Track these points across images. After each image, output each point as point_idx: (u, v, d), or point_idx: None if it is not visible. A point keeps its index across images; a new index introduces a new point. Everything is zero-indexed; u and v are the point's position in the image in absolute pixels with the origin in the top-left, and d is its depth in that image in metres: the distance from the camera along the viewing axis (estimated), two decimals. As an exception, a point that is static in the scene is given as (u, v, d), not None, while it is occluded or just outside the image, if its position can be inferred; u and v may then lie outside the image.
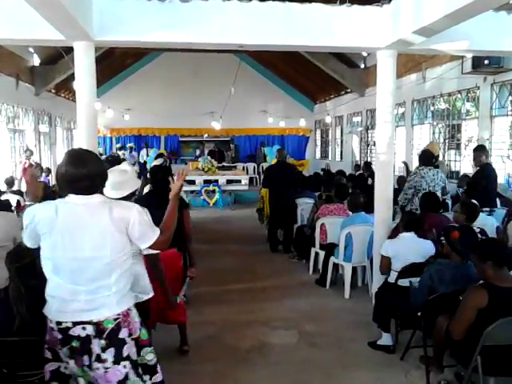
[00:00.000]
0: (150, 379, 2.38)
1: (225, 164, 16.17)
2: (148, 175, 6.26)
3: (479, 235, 4.06)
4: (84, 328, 2.20)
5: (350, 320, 4.97)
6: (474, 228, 4.31)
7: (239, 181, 13.91)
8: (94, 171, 2.22)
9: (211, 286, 5.94)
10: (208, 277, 5.75)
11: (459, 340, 3.18)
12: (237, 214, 11.94)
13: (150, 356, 2.39)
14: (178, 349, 4.21)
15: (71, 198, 2.25)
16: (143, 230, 2.31)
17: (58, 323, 2.22)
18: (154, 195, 4.57)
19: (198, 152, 18.29)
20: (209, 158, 14.59)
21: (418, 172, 6.05)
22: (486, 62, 7.88)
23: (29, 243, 2.32)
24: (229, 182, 13.73)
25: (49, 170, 11.29)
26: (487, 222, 5.11)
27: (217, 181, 13.21)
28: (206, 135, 18.88)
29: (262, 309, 5.31)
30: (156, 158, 7.20)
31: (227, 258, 7.56)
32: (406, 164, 8.67)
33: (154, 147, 18.11)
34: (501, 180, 7.87)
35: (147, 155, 16.61)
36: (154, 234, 2.35)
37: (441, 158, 9.27)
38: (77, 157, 2.25)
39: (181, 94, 17.36)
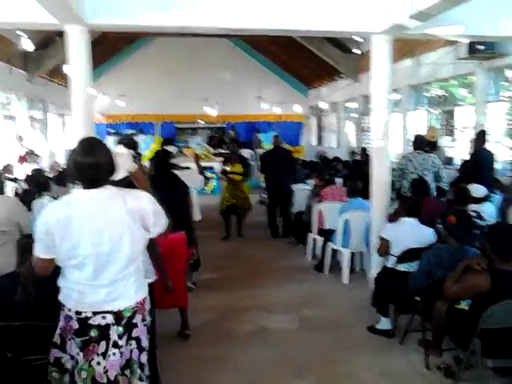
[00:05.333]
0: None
1: (222, 151, 16.11)
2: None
3: (478, 220, 4.12)
4: (104, 317, 2.21)
5: (349, 305, 5.04)
6: (471, 212, 4.37)
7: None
8: (101, 161, 2.18)
9: (210, 271, 5.99)
10: (207, 263, 5.78)
11: (459, 323, 3.24)
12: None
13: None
14: (179, 333, 4.26)
15: (81, 193, 2.22)
16: (157, 218, 2.32)
17: (78, 313, 2.22)
18: (163, 178, 4.52)
19: (189, 139, 18.14)
20: (205, 145, 14.54)
21: (407, 156, 6.13)
22: (481, 47, 7.87)
23: (42, 254, 2.22)
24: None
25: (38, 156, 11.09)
26: (485, 207, 5.16)
27: (212, 168, 13.18)
28: (203, 122, 18.77)
29: (262, 294, 5.36)
30: (165, 145, 7.20)
31: (226, 245, 7.62)
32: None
33: (148, 134, 17.97)
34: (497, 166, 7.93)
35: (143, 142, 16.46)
36: (166, 221, 2.37)
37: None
38: (86, 145, 2.22)
39: (175, 79, 17.19)
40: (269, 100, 18.72)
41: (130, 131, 17.16)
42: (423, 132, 10.14)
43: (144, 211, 2.26)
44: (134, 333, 2.29)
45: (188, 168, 6.58)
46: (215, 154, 14.36)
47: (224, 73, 14.86)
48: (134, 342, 2.29)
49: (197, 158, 6.74)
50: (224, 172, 8.13)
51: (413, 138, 6.70)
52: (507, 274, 3.07)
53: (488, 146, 7.26)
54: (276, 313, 4.84)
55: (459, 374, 3.33)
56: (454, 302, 3.37)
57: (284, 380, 3.61)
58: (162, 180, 4.33)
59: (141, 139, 14.77)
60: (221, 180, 8.46)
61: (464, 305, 3.30)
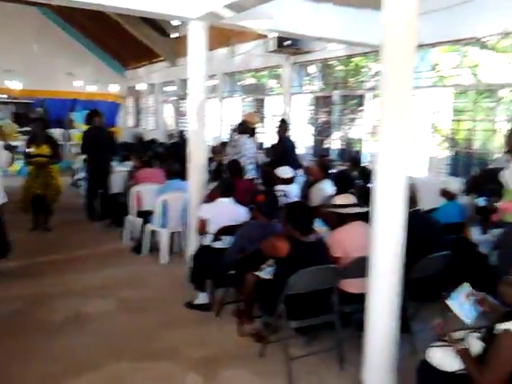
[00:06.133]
0: None
1: (27, 129, 14.66)
2: None
3: (284, 198, 4.56)
4: None
5: (167, 284, 5.13)
6: (279, 192, 4.82)
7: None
8: None
9: (20, 258, 5.52)
10: (15, 249, 5.31)
11: (265, 292, 3.57)
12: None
13: None
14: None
15: None
16: None
17: None
18: None
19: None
20: (9, 121, 13.09)
21: (241, 140, 6.49)
22: (288, 42, 8.60)
23: None
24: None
25: None
26: (290, 188, 5.72)
27: (17, 147, 11.96)
28: (5, 96, 16.81)
29: (77, 279, 5.15)
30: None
31: (35, 230, 7.06)
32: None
33: None
34: (300, 151, 8.81)
35: None
36: None
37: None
38: None
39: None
40: (83, 77, 17.64)
41: None
42: (241, 118, 10.72)
43: None
44: None
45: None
46: (21, 132, 13.02)
47: (31, 44, 13.46)
48: None
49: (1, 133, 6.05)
50: (27, 155, 6.97)
51: (240, 123, 7.09)
52: (305, 245, 3.49)
53: (291, 133, 8.03)
54: (92, 297, 4.70)
55: (268, 337, 3.68)
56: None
57: (101, 363, 3.53)
58: None
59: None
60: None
61: (266, 275, 3.64)
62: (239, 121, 7.47)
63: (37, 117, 10.82)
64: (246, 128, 6.72)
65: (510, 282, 2.33)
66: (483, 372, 2.26)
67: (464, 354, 2.40)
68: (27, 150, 6.98)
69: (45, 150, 6.89)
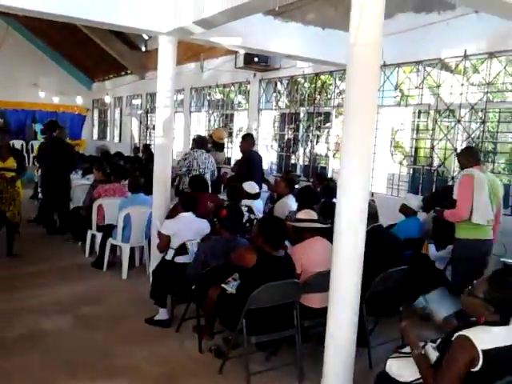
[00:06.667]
0: None
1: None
2: None
3: (247, 213, 4.56)
4: None
5: (128, 299, 5.04)
6: (243, 207, 4.83)
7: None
8: None
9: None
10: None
11: (228, 306, 3.55)
12: None
13: None
14: None
15: None
16: None
17: None
18: None
19: None
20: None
21: (192, 153, 6.51)
22: (256, 59, 8.73)
23: None
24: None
25: None
26: (256, 203, 5.73)
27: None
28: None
29: (35, 295, 4.98)
30: None
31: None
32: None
33: None
34: (265, 166, 8.87)
35: None
36: None
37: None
38: None
39: None
40: (47, 89, 17.35)
41: None
42: (205, 133, 10.76)
43: None
44: None
45: None
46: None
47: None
48: None
49: None
50: None
51: (195, 137, 7.12)
52: (273, 259, 3.49)
53: (258, 148, 8.08)
54: (49, 314, 4.55)
55: (228, 353, 3.64)
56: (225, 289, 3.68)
57: (56, 381, 3.42)
58: None
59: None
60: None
61: (231, 289, 3.62)
62: (196, 135, 7.53)
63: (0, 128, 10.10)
64: (202, 142, 6.79)
65: (471, 294, 2.39)
66: (437, 377, 2.29)
67: (421, 359, 2.44)
68: None
69: (11, 163, 6.21)
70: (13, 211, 6.19)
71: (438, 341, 2.56)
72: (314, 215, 4.01)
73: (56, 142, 7.72)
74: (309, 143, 9.26)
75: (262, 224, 3.66)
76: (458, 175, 4.57)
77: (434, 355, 2.44)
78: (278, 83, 9.69)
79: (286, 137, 9.73)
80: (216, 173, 6.92)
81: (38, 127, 16.43)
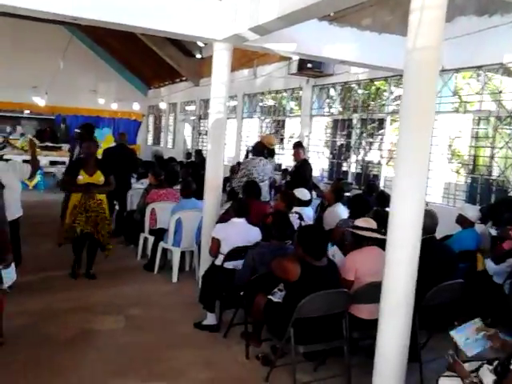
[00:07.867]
0: None
1: (48, 144, 14.95)
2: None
3: (298, 220, 4.52)
4: None
5: (177, 303, 5.09)
6: (294, 214, 4.79)
7: (64, 162, 13.03)
8: None
9: (30, 273, 5.50)
10: (27, 264, 5.33)
11: (275, 315, 3.51)
12: (59, 197, 11.15)
13: None
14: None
15: None
16: None
17: None
18: None
19: (8, 129, 16.48)
20: (29, 136, 13.32)
21: (250, 161, 6.48)
22: (309, 65, 8.66)
23: None
24: (52, 163, 12.81)
25: None
26: (306, 210, 5.66)
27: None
28: (28, 111, 17.20)
29: (87, 295, 5.13)
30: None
31: (48, 245, 7.06)
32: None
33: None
34: (316, 173, 8.79)
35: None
36: None
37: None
38: None
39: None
40: (106, 95, 17.97)
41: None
42: (257, 139, 10.76)
43: None
44: None
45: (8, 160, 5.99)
46: (42, 148, 13.23)
47: (58, 61, 13.73)
48: None
49: (32, 147, 5.88)
50: (71, 183, 5.46)
51: (254, 144, 7.10)
52: (316, 270, 3.43)
53: (308, 155, 8.00)
54: (101, 314, 4.67)
55: (275, 361, 3.60)
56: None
57: (106, 380, 3.50)
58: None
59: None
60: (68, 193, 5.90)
61: (277, 300, 3.58)
62: (255, 142, 7.50)
63: (79, 132, 8.43)
64: (261, 149, 6.71)
65: None
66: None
67: None
68: (66, 177, 5.77)
69: (99, 177, 5.49)
70: (100, 232, 5.53)
71: (495, 363, 2.41)
72: (373, 224, 3.91)
73: (120, 148, 7.96)
74: (361, 150, 9.09)
75: (300, 234, 3.61)
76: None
77: (490, 378, 2.30)
78: (331, 89, 9.59)
79: (338, 143, 9.60)
80: (275, 179, 6.85)
81: (97, 133, 17.02)
